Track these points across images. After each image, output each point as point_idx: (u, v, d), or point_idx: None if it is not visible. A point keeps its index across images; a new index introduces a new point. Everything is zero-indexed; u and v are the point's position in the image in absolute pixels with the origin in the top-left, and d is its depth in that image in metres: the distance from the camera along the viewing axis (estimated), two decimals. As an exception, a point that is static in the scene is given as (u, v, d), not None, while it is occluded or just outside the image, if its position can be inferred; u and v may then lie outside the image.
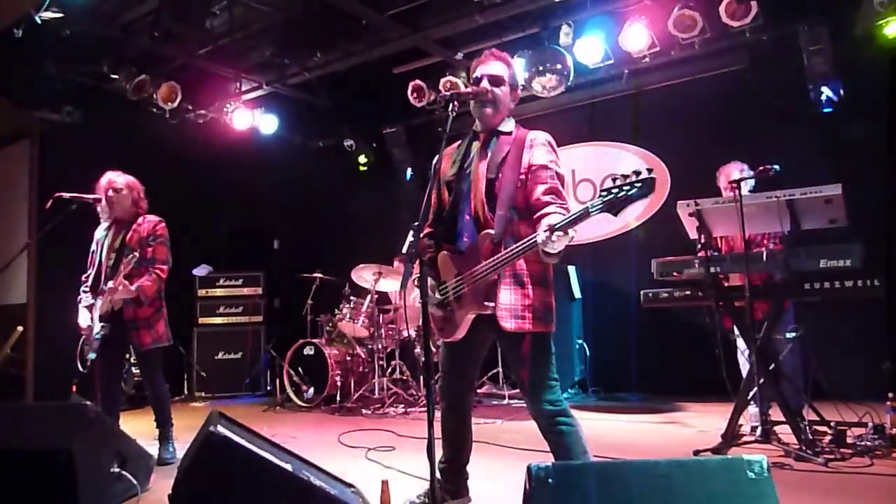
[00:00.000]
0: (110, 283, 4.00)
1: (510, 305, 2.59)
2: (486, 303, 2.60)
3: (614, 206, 2.34)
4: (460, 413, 2.92)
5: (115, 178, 4.25)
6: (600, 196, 2.36)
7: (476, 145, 2.82)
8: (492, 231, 2.61)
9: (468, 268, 2.66)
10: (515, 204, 2.65)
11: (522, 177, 2.66)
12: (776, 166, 4.00)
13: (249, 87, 7.59)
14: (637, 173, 2.31)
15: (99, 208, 4.26)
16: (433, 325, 2.86)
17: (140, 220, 4.27)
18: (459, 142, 2.94)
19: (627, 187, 2.32)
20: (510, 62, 2.85)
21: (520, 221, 2.67)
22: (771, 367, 3.95)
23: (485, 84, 2.76)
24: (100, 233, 4.35)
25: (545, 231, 2.38)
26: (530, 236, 2.47)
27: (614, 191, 2.34)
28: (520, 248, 2.50)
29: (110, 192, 4.19)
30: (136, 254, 4.02)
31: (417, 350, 6.60)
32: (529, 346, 2.59)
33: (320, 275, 7.20)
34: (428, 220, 2.92)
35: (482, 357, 2.93)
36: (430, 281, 2.78)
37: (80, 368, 4.18)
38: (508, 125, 2.82)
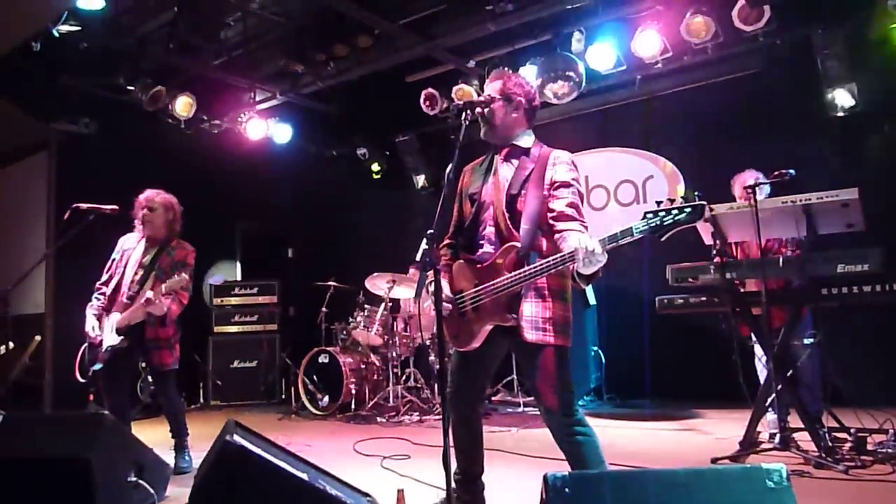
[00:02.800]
0: (149, 293, 3.98)
1: (532, 318, 2.61)
2: (508, 314, 2.61)
3: (660, 229, 2.33)
4: (471, 424, 2.91)
5: (153, 197, 4.28)
6: (646, 218, 2.35)
7: (497, 159, 2.86)
8: (517, 244, 2.63)
9: (489, 279, 2.67)
10: (540, 220, 2.66)
11: (546, 193, 2.68)
12: (791, 171, 3.97)
13: (263, 96, 7.66)
14: (685, 199, 2.31)
15: (136, 223, 4.29)
16: (447, 334, 2.86)
17: (175, 243, 4.31)
18: (483, 157, 2.97)
19: (676, 211, 2.31)
20: (504, 76, 2.88)
21: (544, 237, 2.69)
22: (789, 374, 3.91)
23: (479, 109, 2.81)
24: (127, 242, 4.34)
25: (583, 247, 2.35)
26: (565, 251, 2.46)
27: (661, 214, 2.33)
28: (553, 262, 2.49)
29: (144, 211, 4.23)
30: (181, 282, 4.03)
31: (432, 358, 6.60)
32: (548, 357, 2.59)
33: (334, 283, 7.23)
34: (448, 231, 2.98)
35: (494, 368, 2.94)
36: (445, 288, 2.79)
37: (80, 378, 4.18)
38: (526, 140, 2.84)
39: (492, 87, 2.85)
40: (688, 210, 2.30)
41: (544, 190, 2.69)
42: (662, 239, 2.37)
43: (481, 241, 2.80)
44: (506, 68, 6.63)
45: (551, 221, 2.66)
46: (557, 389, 2.55)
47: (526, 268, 2.57)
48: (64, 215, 4.16)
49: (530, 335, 2.59)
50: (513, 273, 2.60)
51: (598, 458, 2.55)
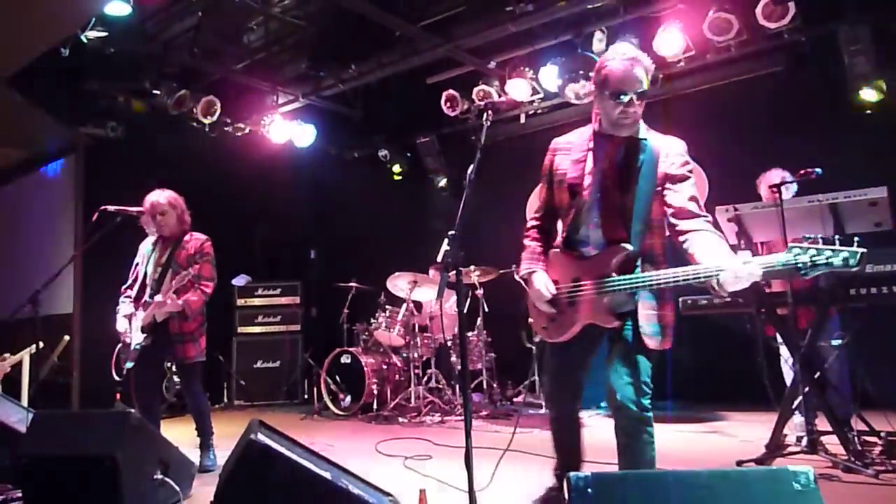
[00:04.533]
0: (158, 297, 4.09)
1: (650, 323, 2.52)
2: (612, 317, 2.52)
3: (810, 268, 2.20)
4: (572, 420, 2.87)
5: (158, 200, 4.32)
6: (794, 253, 2.21)
7: (604, 148, 2.63)
8: (628, 246, 2.50)
9: (592, 275, 2.56)
10: (650, 218, 2.53)
11: (658, 189, 2.52)
12: (818, 170, 3.91)
13: (286, 99, 7.72)
14: (846, 242, 2.16)
15: (143, 222, 4.37)
16: (536, 325, 2.79)
17: (188, 237, 4.37)
18: (577, 136, 2.73)
19: (830, 254, 2.16)
20: (644, 65, 2.53)
21: (653, 234, 2.57)
22: (816, 376, 3.85)
23: (633, 104, 2.52)
24: (146, 246, 4.44)
25: (735, 274, 2.22)
26: (709, 267, 2.30)
27: (813, 253, 2.18)
28: (692, 276, 2.35)
29: (157, 217, 4.29)
30: (191, 271, 4.10)
31: (453, 358, 6.59)
32: (652, 359, 2.53)
33: (356, 284, 7.26)
34: (538, 214, 2.85)
35: (590, 363, 2.78)
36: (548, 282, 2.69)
37: (116, 377, 4.28)
38: (641, 130, 2.62)
39: (645, 80, 2.52)
40: (846, 256, 2.13)
41: (656, 186, 2.51)
42: (806, 278, 2.25)
43: (585, 238, 2.65)
44: (526, 68, 6.64)
45: (671, 220, 2.51)
46: (647, 386, 2.48)
47: (656, 272, 2.45)
48: (92, 217, 4.24)
49: (652, 341, 2.50)
50: (627, 276, 2.48)
51: (654, 462, 2.51)
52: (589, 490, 1.71)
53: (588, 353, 2.73)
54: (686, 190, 2.51)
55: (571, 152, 2.69)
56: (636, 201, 2.51)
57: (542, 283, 2.67)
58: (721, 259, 2.30)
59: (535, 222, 2.84)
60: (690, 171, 2.56)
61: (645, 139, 2.59)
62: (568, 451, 2.89)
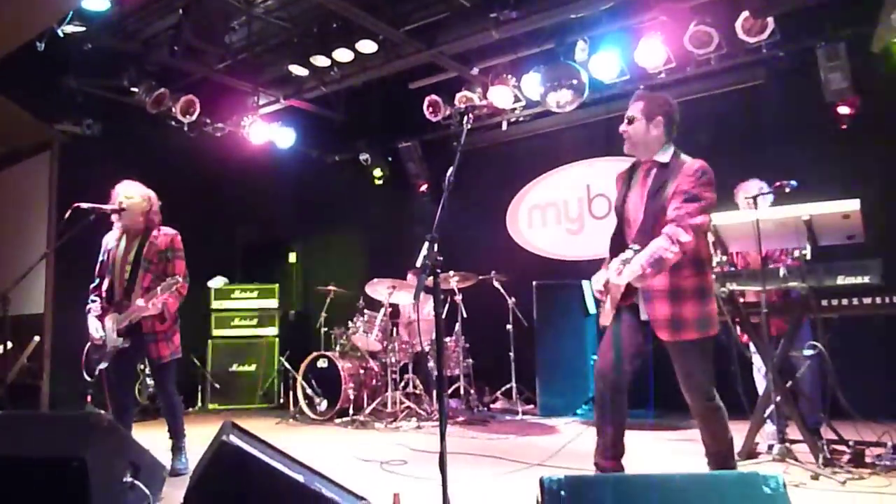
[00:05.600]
0: (139, 301, 4.01)
1: (667, 317, 2.91)
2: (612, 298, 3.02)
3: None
4: (605, 394, 3.04)
5: (130, 187, 4.28)
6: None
7: (638, 174, 3.12)
8: (634, 247, 2.83)
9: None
10: (654, 232, 2.88)
11: (665, 205, 2.90)
12: (793, 182, 3.97)
13: (267, 101, 7.68)
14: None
15: (113, 217, 4.29)
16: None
17: (156, 232, 4.29)
18: (630, 166, 3.21)
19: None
20: (645, 97, 3.12)
21: None
22: (788, 385, 3.90)
23: (622, 126, 3.10)
24: (110, 241, 4.34)
25: (618, 265, 2.79)
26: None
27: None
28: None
29: (122, 200, 4.23)
30: (178, 278, 4.04)
31: (431, 364, 6.58)
32: (688, 350, 2.94)
33: (334, 287, 7.22)
34: (613, 233, 3.23)
35: (632, 351, 3.07)
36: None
37: (87, 377, 4.20)
38: (665, 155, 3.05)
39: (635, 108, 3.08)
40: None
41: (664, 203, 2.90)
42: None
43: (625, 246, 2.96)
44: (508, 76, 6.68)
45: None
46: (700, 378, 3.02)
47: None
48: (65, 215, 4.16)
49: (664, 335, 2.91)
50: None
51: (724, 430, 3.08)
52: (562, 493, 1.71)
53: (623, 337, 3.03)
54: (678, 206, 2.88)
55: (622, 180, 3.22)
56: (645, 217, 2.95)
57: (596, 277, 3.16)
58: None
59: (612, 234, 3.24)
60: (696, 185, 2.88)
61: (667, 162, 3.01)
62: (601, 430, 3.01)
